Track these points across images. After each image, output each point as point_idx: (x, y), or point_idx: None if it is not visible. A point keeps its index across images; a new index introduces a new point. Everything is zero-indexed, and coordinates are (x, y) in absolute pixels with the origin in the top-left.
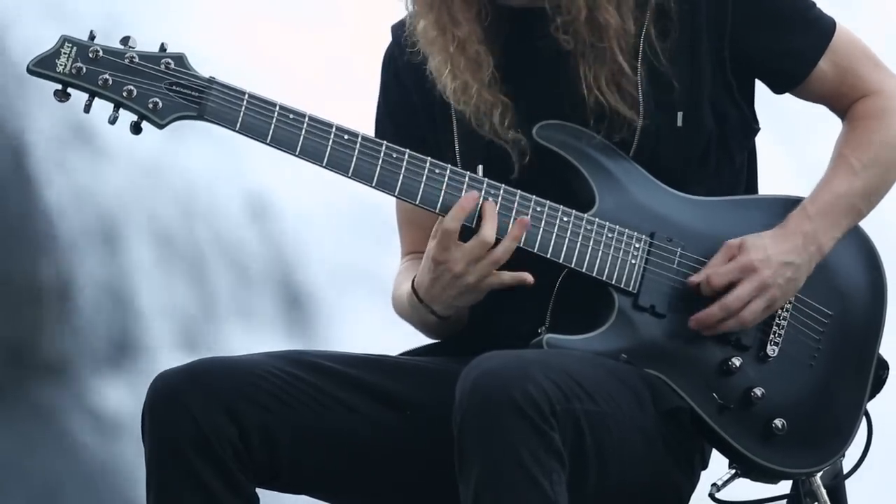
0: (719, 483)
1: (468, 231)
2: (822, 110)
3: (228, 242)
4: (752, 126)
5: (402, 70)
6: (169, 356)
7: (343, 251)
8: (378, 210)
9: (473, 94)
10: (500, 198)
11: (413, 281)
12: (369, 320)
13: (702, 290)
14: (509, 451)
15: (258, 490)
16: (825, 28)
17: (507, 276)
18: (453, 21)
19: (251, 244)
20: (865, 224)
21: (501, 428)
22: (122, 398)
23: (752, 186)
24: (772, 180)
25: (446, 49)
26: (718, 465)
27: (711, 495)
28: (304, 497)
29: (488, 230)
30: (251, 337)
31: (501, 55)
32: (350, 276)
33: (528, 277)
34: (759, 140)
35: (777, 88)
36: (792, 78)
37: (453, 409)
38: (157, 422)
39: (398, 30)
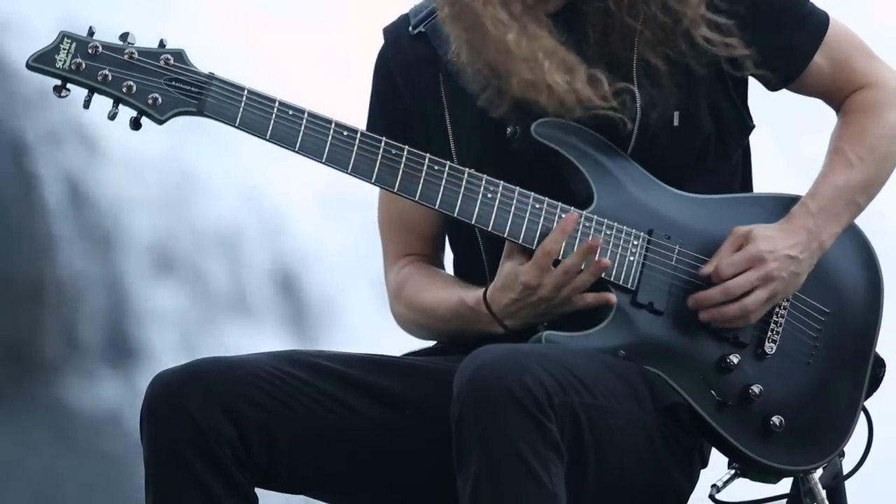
0: (719, 484)
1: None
2: (817, 108)
3: (228, 242)
4: (747, 123)
5: (394, 72)
6: (168, 356)
7: (343, 251)
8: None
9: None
10: (498, 194)
11: (485, 294)
12: (369, 320)
13: (712, 281)
14: (507, 442)
15: (257, 490)
16: (819, 23)
17: (591, 297)
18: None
19: (251, 244)
20: (862, 223)
21: (499, 420)
22: (122, 398)
23: (746, 184)
24: (768, 178)
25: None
26: (718, 466)
27: (712, 496)
28: (303, 497)
29: (574, 259)
30: (250, 337)
31: None
32: (350, 275)
33: (612, 299)
34: (755, 138)
35: (772, 86)
36: (787, 75)
37: (451, 402)
38: (156, 422)
39: (391, 32)
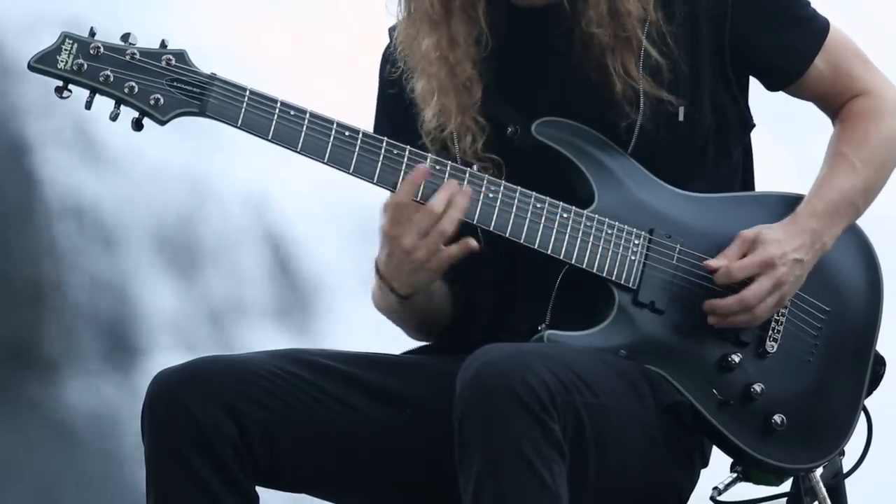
0: (721, 486)
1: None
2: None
3: (228, 242)
4: (748, 121)
5: (398, 71)
6: (168, 355)
7: (343, 250)
8: (378, 209)
9: (452, 119)
10: (500, 194)
11: (376, 259)
12: (369, 320)
13: (718, 279)
14: (510, 441)
15: (258, 489)
16: (819, 27)
17: (454, 248)
18: (451, 43)
19: (251, 243)
20: (862, 223)
21: (502, 418)
22: (122, 397)
23: (748, 182)
24: (770, 177)
25: (437, 73)
26: (718, 465)
27: (713, 498)
28: (303, 496)
29: (437, 200)
30: (251, 336)
31: (507, 55)
32: (350, 275)
33: (472, 243)
34: (758, 137)
35: (772, 86)
36: (787, 75)
37: (454, 401)
38: (157, 421)
39: (395, 31)
